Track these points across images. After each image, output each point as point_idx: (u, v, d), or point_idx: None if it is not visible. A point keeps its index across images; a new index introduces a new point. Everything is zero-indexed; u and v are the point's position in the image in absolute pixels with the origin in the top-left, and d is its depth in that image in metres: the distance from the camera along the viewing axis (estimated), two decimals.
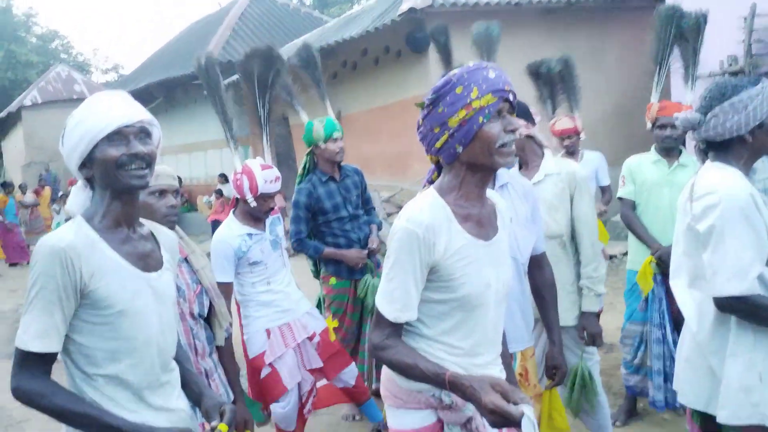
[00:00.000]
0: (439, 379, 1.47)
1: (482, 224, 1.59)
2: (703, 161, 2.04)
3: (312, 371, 3.17)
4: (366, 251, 3.69)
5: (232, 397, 2.25)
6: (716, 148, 1.98)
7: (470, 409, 1.57)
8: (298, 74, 4.05)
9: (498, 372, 1.66)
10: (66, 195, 14.29)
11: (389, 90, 9.60)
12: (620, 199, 3.52)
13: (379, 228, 3.95)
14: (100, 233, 1.51)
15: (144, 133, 1.54)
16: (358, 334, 3.82)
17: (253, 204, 2.97)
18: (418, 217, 1.51)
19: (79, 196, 1.57)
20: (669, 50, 3.46)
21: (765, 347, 1.85)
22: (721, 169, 1.93)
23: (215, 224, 12.67)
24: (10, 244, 12.61)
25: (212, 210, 13.05)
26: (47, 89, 22.35)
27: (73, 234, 1.48)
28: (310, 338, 3.17)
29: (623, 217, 3.49)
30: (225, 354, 2.29)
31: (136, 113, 1.54)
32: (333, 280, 3.77)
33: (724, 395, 1.87)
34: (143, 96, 14.83)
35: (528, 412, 1.35)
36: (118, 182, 1.51)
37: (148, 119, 1.57)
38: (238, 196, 3.02)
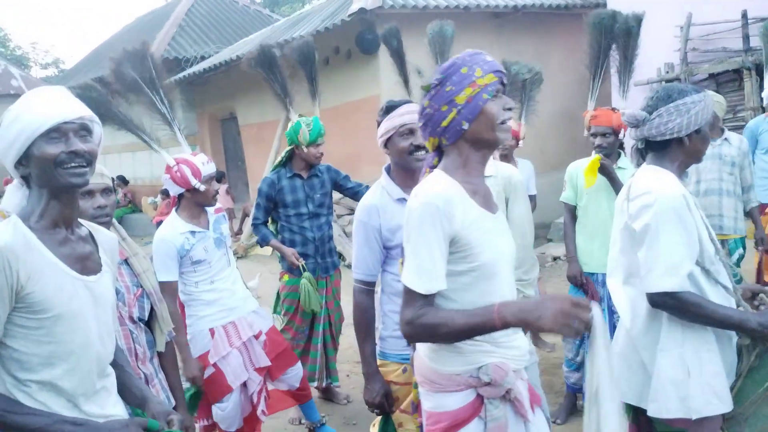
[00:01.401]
0: (488, 317, 1.49)
1: (486, 199, 1.70)
2: (638, 162, 2.13)
3: (259, 370, 3.15)
4: (300, 261, 3.72)
5: (173, 402, 2.20)
6: (655, 149, 2.07)
7: (509, 382, 1.65)
8: (295, 69, 4.11)
9: (521, 337, 1.75)
10: (1, 195, 13.65)
11: (339, 91, 9.58)
12: (563, 203, 3.63)
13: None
14: (37, 234, 1.46)
15: (84, 130, 1.50)
16: (310, 333, 3.85)
17: (203, 188, 2.95)
18: (434, 190, 1.58)
19: (15, 195, 1.52)
20: (604, 57, 3.56)
21: (693, 343, 1.93)
22: (656, 171, 2.02)
23: (160, 225, 12.36)
24: None
25: (157, 211, 12.73)
26: None
27: (9, 234, 1.42)
28: (256, 336, 3.14)
29: (564, 221, 3.62)
30: (166, 359, 2.23)
31: (76, 109, 1.50)
32: (286, 278, 3.85)
33: (654, 389, 1.94)
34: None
35: (596, 313, 1.42)
36: (57, 181, 1.46)
37: (89, 115, 1.53)
38: (183, 189, 2.97)
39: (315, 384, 3.92)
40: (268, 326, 3.27)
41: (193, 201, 3.01)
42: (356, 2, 8.41)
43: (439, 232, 1.56)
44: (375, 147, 2.42)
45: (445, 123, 1.63)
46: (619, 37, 3.53)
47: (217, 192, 3.06)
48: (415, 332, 1.60)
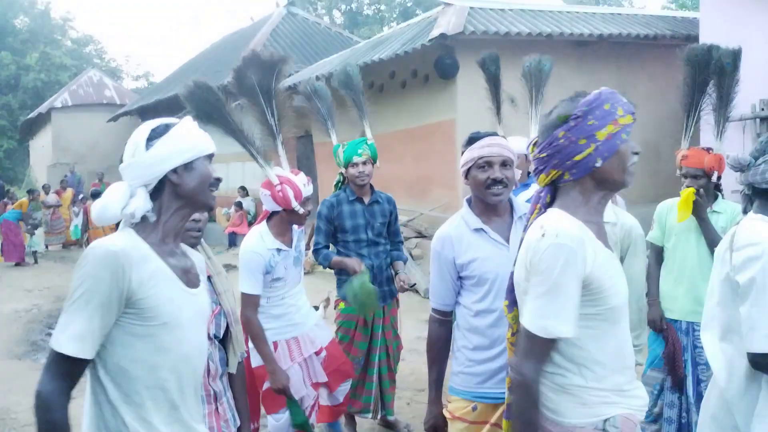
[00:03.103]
0: None
1: (605, 240, 1.63)
2: (745, 208, 1.98)
3: (315, 385, 3.14)
4: (362, 265, 3.52)
5: (238, 422, 2.20)
6: (761, 196, 1.93)
7: None
8: (339, 94, 4.03)
9: (641, 385, 1.66)
10: (86, 198, 14.35)
11: (414, 114, 9.61)
12: (649, 243, 3.43)
13: (405, 262, 3.91)
14: (151, 245, 1.53)
15: None
16: (366, 364, 3.73)
17: (301, 211, 2.95)
18: (567, 231, 1.52)
19: (140, 201, 1.54)
20: (699, 94, 3.34)
21: None
22: (764, 221, 1.87)
23: (232, 236, 12.71)
24: (16, 242, 12.68)
25: (230, 222, 13.10)
26: (78, 92, 22.74)
27: (124, 241, 1.49)
28: (317, 353, 3.14)
29: (649, 261, 3.41)
30: (236, 380, 2.24)
31: None
32: (342, 305, 3.74)
33: None
34: (171, 105, 15.03)
35: None
36: (205, 197, 1.61)
37: None
38: (282, 208, 2.95)
39: (370, 416, 3.80)
40: (328, 339, 3.26)
41: (286, 219, 3.01)
42: (437, 28, 8.44)
43: (572, 274, 1.49)
44: (447, 171, 2.38)
45: (578, 157, 1.56)
46: (715, 73, 3.32)
47: (309, 213, 3.05)
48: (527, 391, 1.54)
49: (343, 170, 3.73)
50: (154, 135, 1.57)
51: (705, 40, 7.51)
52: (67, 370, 1.41)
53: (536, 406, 1.55)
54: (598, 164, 1.55)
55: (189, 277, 1.61)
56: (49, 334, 7.06)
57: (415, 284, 8.08)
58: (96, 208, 1.56)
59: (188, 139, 1.59)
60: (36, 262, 12.84)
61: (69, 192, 15.66)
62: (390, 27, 25.82)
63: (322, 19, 21.53)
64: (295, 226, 3.11)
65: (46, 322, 7.62)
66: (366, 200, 3.72)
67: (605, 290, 1.54)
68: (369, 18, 30.16)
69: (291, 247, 3.06)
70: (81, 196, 15.47)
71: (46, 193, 14.82)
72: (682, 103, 3.40)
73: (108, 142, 21.33)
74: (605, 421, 1.54)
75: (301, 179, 2.98)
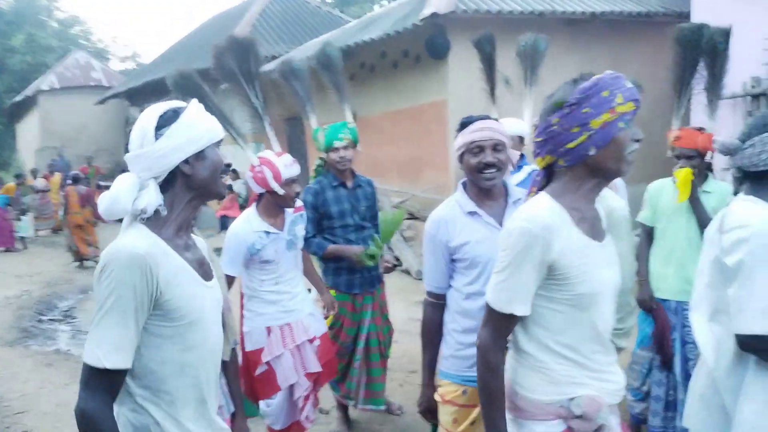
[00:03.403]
0: None
1: (594, 226, 1.64)
2: (736, 190, 1.98)
3: (308, 375, 3.12)
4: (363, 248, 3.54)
5: (232, 408, 2.19)
6: (751, 179, 1.93)
7: (602, 418, 1.60)
8: (318, 75, 3.94)
9: (619, 370, 1.68)
10: (79, 179, 14.20)
11: (406, 94, 9.55)
12: (639, 223, 3.43)
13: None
14: (166, 240, 1.48)
15: None
16: (353, 349, 3.70)
17: (282, 192, 2.94)
18: (537, 216, 1.54)
19: (152, 195, 1.46)
20: (690, 73, 3.32)
21: None
22: (754, 203, 1.87)
23: (223, 219, 12.66)
24: (4, 227, 12.58)
25: (221, 205, 13.04)
26: (65, 75, 22.44)
27: (147, 241, 1.43)
28: (311, 341, 3.12)
29: (639, 241, 3.42)
30: (230, 367, 2.22)
31: None
32: (332, 293, 3.68)
33: None
34: (160, 87, 14.85)
35: None
36: (217, 187, 1.55)
37: None
38: (263, 190, 2.97)
39: (352, 403, 3.77)
40: (322, 331, 3.25)
41: (272, 201, 3.01)
42: (429, 6, 8.35)
43: (531, 259, 1.52)
44: (439, 152, 2.36)
45: (571, 145, 1.55)
46: (706, 52, 3.30)
47: (297, 194, 3.04)
48: (484, 361, 1.60)
49: (324, 154, 3.68)
50: (163, 122, 1.47)
51: (697, 17, 7.47)
52: (108, 384, 1.37)
53: (491, 372, 1.59)
54: (592, 153, 1.53)
55: (204, 270, 1.57)
56: (40, 321, 7.04)
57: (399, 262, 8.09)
58: (104, 201, 1.46)
59: (199, 126, 1.50)
60: (25, 247, 12.76)
61: (57, 176, 15.49)
62: (381, 6, 25.54)
63: None
64: (290, 210, 3.09)
65: (36, 308, 7.60)
66: (349, 185, 3.67)
67: (571, 278, 1.55)
68: None
69: (282, 230, 3.03)
70: (69, 181, 15.32)
71: (34, 178, 14.69)
72: (672, 83, 3.38)
73: (96, 125, 21.12)
74: (571, 400, 1.58)
75: (283, 160, 2.96)
